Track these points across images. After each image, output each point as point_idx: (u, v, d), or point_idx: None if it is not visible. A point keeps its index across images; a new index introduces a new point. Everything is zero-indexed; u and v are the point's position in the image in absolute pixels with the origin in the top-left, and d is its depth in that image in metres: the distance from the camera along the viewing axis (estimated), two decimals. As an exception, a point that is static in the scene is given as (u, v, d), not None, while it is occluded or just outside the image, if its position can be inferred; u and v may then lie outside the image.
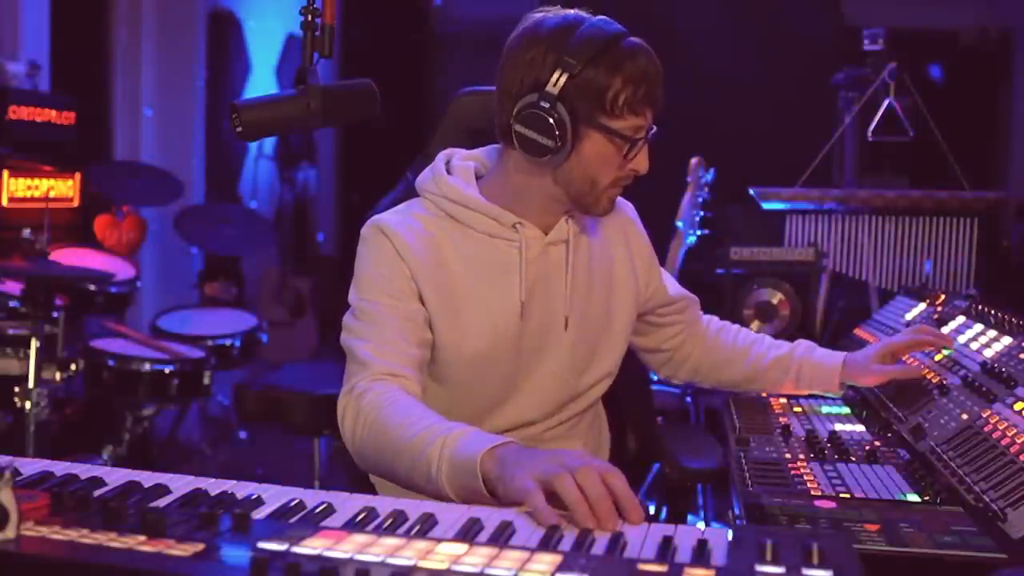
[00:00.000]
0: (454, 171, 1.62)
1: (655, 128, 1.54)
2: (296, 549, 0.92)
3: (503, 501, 1.16)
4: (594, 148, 1.50)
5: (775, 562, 0.92)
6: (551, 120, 1.46)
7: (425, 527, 1.04)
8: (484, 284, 1.57)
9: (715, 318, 1.95)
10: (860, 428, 1.73)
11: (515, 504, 1.13)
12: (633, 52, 1.48)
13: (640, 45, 1.50)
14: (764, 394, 1.96)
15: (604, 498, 1.06)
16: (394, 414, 1.38)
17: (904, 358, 1.88)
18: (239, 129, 1.47)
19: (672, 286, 1.84)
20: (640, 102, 1.48)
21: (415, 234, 1.56)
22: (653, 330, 1.86)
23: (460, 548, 0.93)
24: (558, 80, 1.46)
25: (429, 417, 1.35)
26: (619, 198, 1.76)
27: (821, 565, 0.91)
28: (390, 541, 0.95)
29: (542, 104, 1.46)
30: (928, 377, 1.78)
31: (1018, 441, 1.37)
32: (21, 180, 4.09)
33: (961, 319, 1.99)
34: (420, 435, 1.31)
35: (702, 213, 3.31)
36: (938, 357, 1.84)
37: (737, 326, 1.95)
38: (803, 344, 1.90)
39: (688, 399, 3.22)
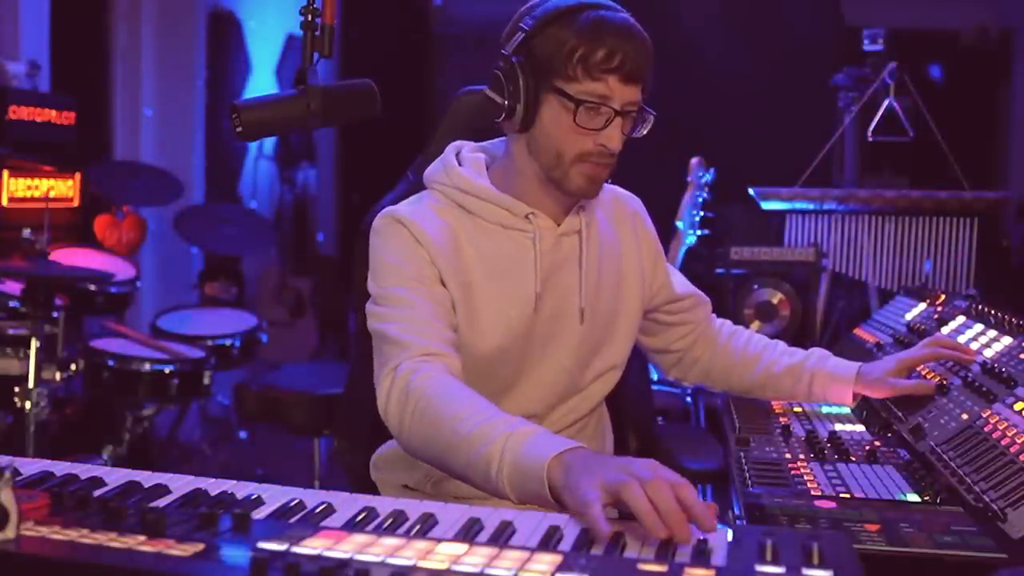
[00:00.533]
0: (465, 162, 1.62)
1: (638, 108, 1.51)
2: (296, 549, 0.92)
3: (569, 510, 1.11)
4: (550, 113, 1.49)
5: (775, 562, 0.92)
6: (503, 78, 1.49)
7: (425, 527, 1.04)
8: (498, 275, 1.56)
9: (728, 322, 1.93)
10: (860, 428, 1.73)
11: (581, 514, 1.08)
12: (599, 18, 1.46)
13: (611, 15, 1.48)
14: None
15: (675, 510, 1.01)
16: (448, 403, 1.32)
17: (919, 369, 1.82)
18: (239, 129, 1.46)
19: (680, 284, 1.83)
20: (597, 67, 1.45)
21: (431, 221, 1.54)
22: (662, 330, 1.85)
23: (460, 548, 0.93)
24: (516, 41, 1.48)
25: (486, 409, 1.30)
26: (630, 194, 1.76)
27: (821, 565, 0.91)
28: (390, 541, 0.95)
29: (499, 63, 1.49)
30: (928, 377, 1.77)
31: (1018, 441, 1.37)
32: (21, 180, 4.09)
33: (961, 319, 1.99)
34: (478, 430, 1.25)
35: (702, 213, 3.31)
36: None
37: (750, 331, 1.93)
38: (817, 352, 1.86)
39: (688, 399, 3.22)
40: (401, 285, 1.49)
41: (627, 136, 1.53)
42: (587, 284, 1.61)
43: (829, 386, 1.81)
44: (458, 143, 1.67)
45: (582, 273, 1.60)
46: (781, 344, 1.89)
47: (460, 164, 1.62)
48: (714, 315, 1.91)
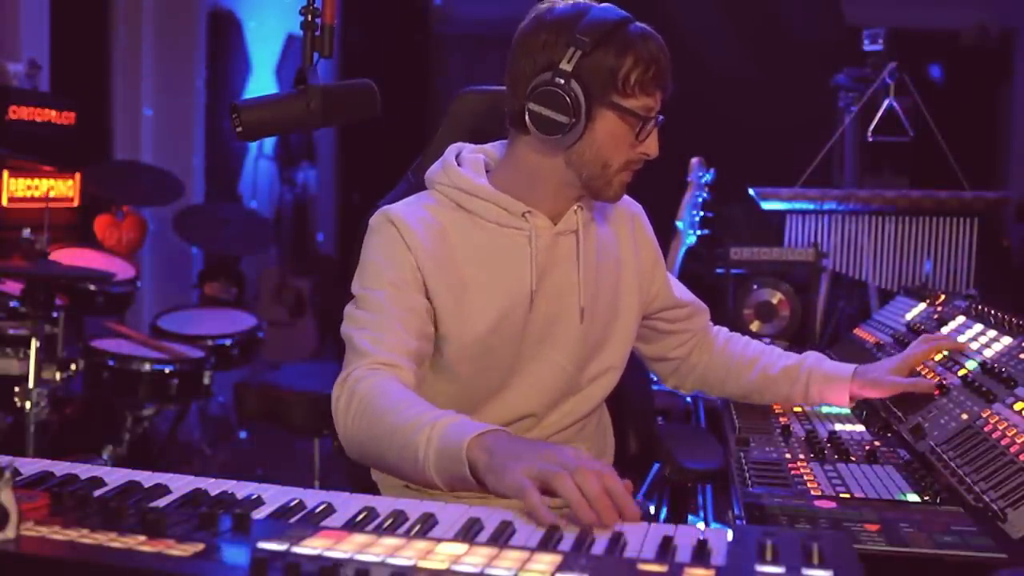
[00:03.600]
0: (464, 163, 1.64)
1: (663, 117, 1.56)
2: (296, 549, 0.92)
3: (492, 492, 1.17)
4: (606, 127, 1.52)
5: (775, 562, 0.92)
6: (566, 96, 1.48)
7: (425, 527, 1.04)
8: (493, 273, 1.58)
9: (724, 329, 1.94)
10: (860, 428, 1.73)
11: (504, 496, 1.14)
12: (643, 34, 1.52)
13: (649, 29, 1.54)
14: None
15: (603, 496, 1.07)
16: (386, 402, 1.37)
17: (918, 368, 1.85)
18: (239, 129, 1.46)
19: (679, 291, 1.84)
20: (650, 82, 1.51)
21: (424, 224, 1.56)
22: (660, 337, 1.85)
23: (460, 548, 0.93)
24: (571, 57, 1.48)
25: (419, 405, 1.35)
26: (631, 199, 1.77)
27: (821, 565, 0.91)
28: (390, 541, 0.95)
29: (557, 80, 1.49)
30: (928, 377, 1.77)
31: (1018, 441, 1.37)
32: (21, 180, 4.09)
33: (961, 319, 1.99)
34: (410, 422, 1.30)
35: (702, 213, 3.30)
36: (937, 356, 1.82)
37: (747, 338, 1.94)
38: (812, 355, 1.89)
39: (688, 399, 3.22)
40: (380, 288, 1.51)
41: None
42: (585, 283, 1.62)
43: (825, 387, 1.84)
44: (458, 145, 1.69)
45: (580, 272, 1.61)
46: (776, 349, 1.92)
47: (460, 165, 1.63)
48: (710, 322, 1.92)
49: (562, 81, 1.48)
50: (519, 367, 1.61)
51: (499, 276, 1.58)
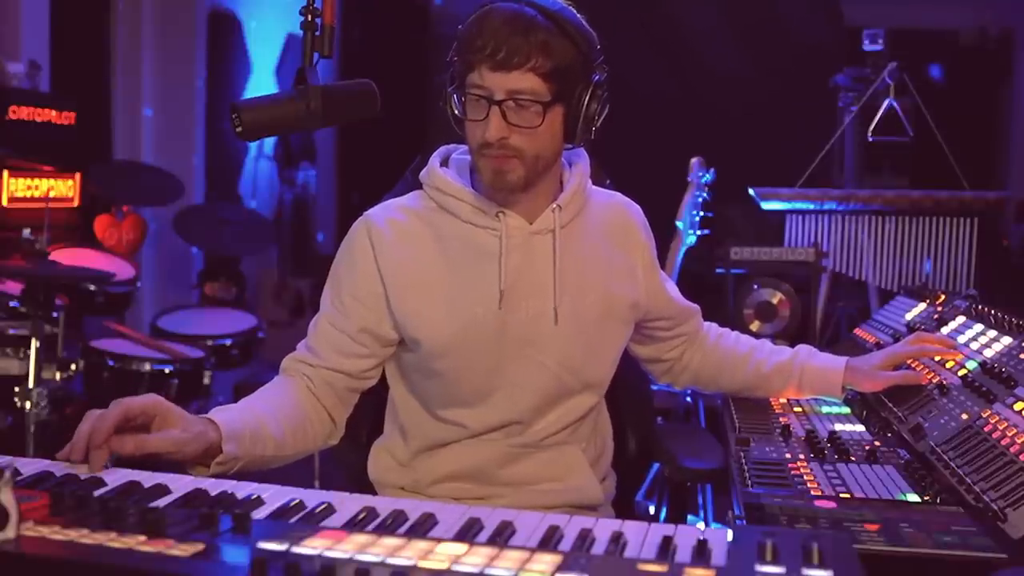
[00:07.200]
0: (451, 164, 1.65)
1: (546, 100, 1.47)
2: (296, 549, 0.92)
3: None
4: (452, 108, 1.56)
5: (775, 562, 0.92)
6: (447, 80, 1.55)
7: (425, 527, 1.04)
8: (463, 272, 1.58)
9: (714, 325, 1.93)
10: (860, 428, 1.73)
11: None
12: (487, 9, 1.49)
13: (502, 5, 1.48)
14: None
15: (77, 438, 1.25)
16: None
17: (908, 362, 1.86)
18: (239, 129, 1.46)
19: (678, 299, 1.82)
20: (472, 56, 1.47)
21: (396, 227, 1.60)
22: (656, 341, 1.84)
23: (460, 548, 0.93)
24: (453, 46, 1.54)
25: (248, 399, 1.55)
26: (630, 202, 1.75)
27: (821, 565, 0.91)
28: (390, 541, 0.95)
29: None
30: (928, 377, 1.77)
31: (1018, 441, 1.37)
32: (21, 180, 4.09)
33: (961, 319, 1.99)
34: None
35: (702, 213, 3.30)
36: (950, 364, 1.78)
37: (736, 332, 1.93)
38: (804, 349, 1.89)
39: (688, 399, 3.22)
40: (334, 295, 1.62)
41: (527, 128, 1.48)
42: (563, 285, 1.59)
43: (818, 381, 1.86)
44: (451, 146, 1.69)
45: (555, 272, 1.59)
46: (768, 344, 1.92)
47: (448, 166, 1.65)
48: (701, 320, 1.91)
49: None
50: (504, 369, 1.59)
51: (470, 275, 1.58)
